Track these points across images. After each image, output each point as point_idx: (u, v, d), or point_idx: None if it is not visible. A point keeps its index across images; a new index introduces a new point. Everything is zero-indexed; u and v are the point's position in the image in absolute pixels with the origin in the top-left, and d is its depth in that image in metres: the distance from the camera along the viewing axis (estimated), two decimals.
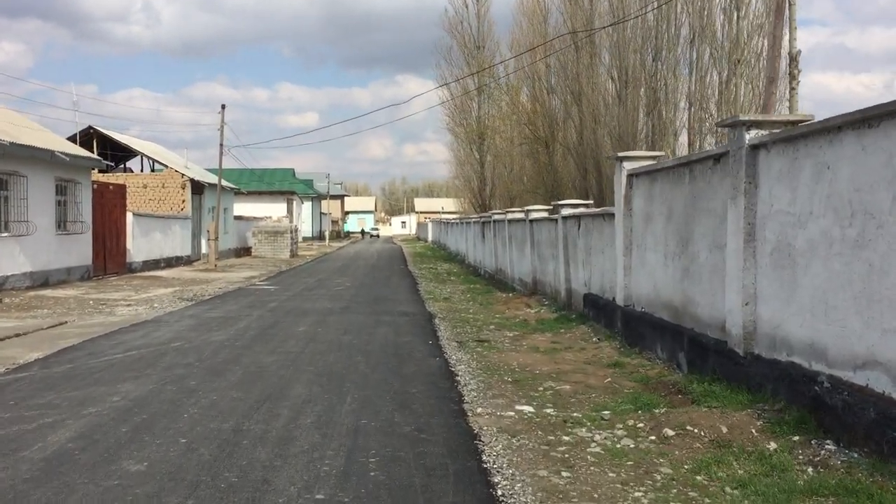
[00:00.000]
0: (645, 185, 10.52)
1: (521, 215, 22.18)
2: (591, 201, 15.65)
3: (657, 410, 6.86)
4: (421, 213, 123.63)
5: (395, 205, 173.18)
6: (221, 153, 35.14)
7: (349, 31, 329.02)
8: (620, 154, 11.18)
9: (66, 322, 14.84)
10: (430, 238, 75.84)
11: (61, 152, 22.98)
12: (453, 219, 48.66)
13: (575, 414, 7.01)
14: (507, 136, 34.37)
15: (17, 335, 12.86)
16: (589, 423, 6.62)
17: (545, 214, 18.76)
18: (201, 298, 19.55)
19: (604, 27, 20.25)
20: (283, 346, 10.64)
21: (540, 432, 6.34)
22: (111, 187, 29.00)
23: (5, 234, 20.81)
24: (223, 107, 35.51)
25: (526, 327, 13.52)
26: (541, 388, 8.15)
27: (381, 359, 9.75)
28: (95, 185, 27.11)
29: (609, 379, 8.61)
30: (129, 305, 18.18)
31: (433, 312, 15.68)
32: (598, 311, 12.67)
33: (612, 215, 12.10)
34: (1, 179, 20.75)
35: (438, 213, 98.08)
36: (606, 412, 6.98)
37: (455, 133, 42.32)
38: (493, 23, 43.11)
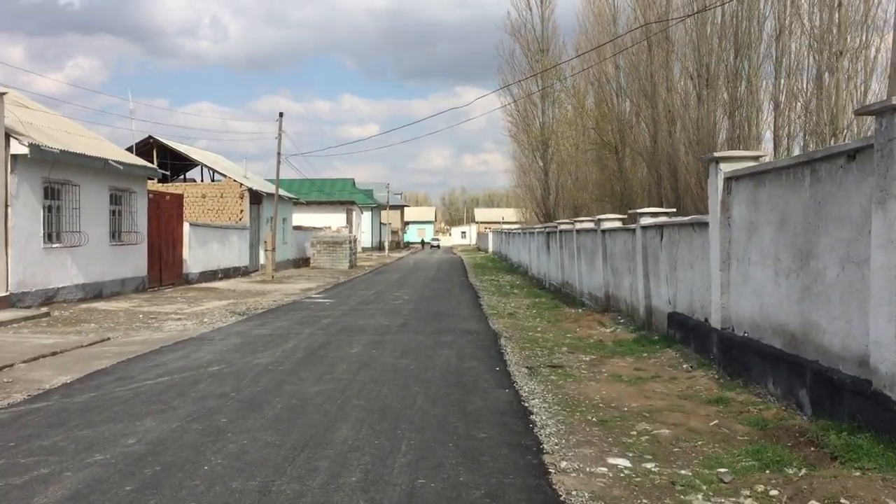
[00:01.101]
0: (747, 189, 9.04)
1: (591, 225, 20.72)
2: (674, 209, 14.13)
3: (791, 471, 5.42)
4: (481, 223, 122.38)
5: (454, 215, 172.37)
6: (279, 162, 34.51)
7: (409, 43, 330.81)
8: (717, 154, 9.71)
9: (109, 339, 14.02)
10: (490, 248, 74.52)
11: (115, 161, 22.44)
12: (515, 229, 47.24)
13: (683, 472, 5.61)
14: (572, 141, 32.87)
15: (54, 353, 12.03)
16: (705, 487, 5.22)
17: (619, 224, 17.29)
18: (253, 312, 18.65)
19: (681, 18, 18.67)
20: (331, 373, 9.45)
21: (645, 501, 4.97)
22: (168, 197, 28.52)
23: (57, 245, 20.28)
24: (281, 115, 34.95)
25: (602, 350, 12.09)
26: (634, 433, 6.75)
27: (442, 389, 8.47)
28: (151, 195, 26.62)
29: (715, 421, 7.15)
30: (178, 319, 17.36)
31: (498, 331, 14.36)
32: (687, 333, 11.17)
33: (703, 225, 10.62)
34: (53, 188, 20.23)
35: (498, 223, 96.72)
36: (724, 470, 5.57)
37: (518, 139, 40.93)
38: (558, 26, 41.72)
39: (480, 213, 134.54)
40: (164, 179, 38.50)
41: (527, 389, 8.56)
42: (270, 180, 49.17)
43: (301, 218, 58.41)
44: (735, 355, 9.08)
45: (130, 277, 24.42)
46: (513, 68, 38.11)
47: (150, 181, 33.48)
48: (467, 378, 9.25)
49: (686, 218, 11.69)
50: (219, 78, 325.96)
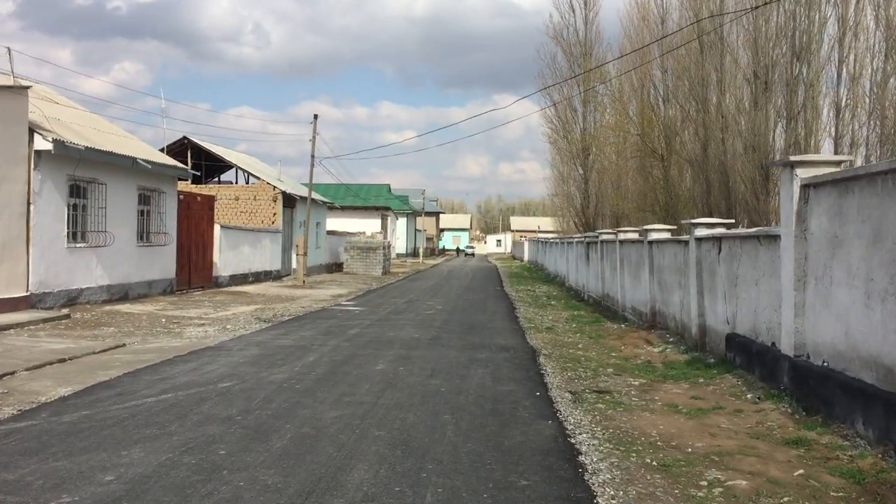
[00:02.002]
0: (830, 197, 7.90)
1: (635, 235, 19.58)
2: (731, 220, 12.95)
3: None
4: (516, 231, 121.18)
5: (490, 223, 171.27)
6: (312, 164, 33.82)
7: (447, 51, 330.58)
8: (793, 158, 8.56)
9: (124, 345, 13.26)
10: (525, 257, 73.33)
11: (143, 160, 21.82)
12: (552, 238, 46.04)
13: None
14: (614, 149, 31.64)
15: (62, 361, 11.27)
16: None
17: (668, 235, 16.14)
18: (279, 320, 17.83)
19: (737, 13, 17.44)
20: (352, 394, 8.47)
21: None
22: (198, 198, 27.91)
23: (81, 245, 19.68)
24: (315, 117, 34.28)
25: (653, 373, 10.97)
26: (704, 483, 5.67)
27: (476, 419, 7.44)
28: (181, 196, 26.03)
29: (800, 470, 6.03)
30: (201, 325, 16.60)
31: (536, 347, 13.30)
32: (749, 357, 10.01)
33: (773, 238, 9.48)
34: (78, 186, 19.65)
35: (535, 231, 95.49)
36: None
37: (557, 146, 39.74)
38: (602, 30, 40.45)
39: (516, 222, 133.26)
40: (197, 181, 38.05)
41: (572, 421, 7.50)
42: (306, 184, 48.67)
43: (335, 223, 57.86)
44: (812, 388, 7.92)
45: (158, 279, 23.79)
46: (554, 73, 37.01)
47: (181, 182, 33.07)
48: (504, 404, 8.21)
49: (751, 230, 10.53)
50: (260, 83, 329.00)
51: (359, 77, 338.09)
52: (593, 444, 6.59)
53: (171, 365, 10.44)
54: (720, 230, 12.30)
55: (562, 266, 36.17)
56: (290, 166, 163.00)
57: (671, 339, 14.00)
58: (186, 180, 35.03)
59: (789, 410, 8.03)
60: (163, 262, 24.12)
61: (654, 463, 6.14)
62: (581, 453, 6.29)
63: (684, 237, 13.73)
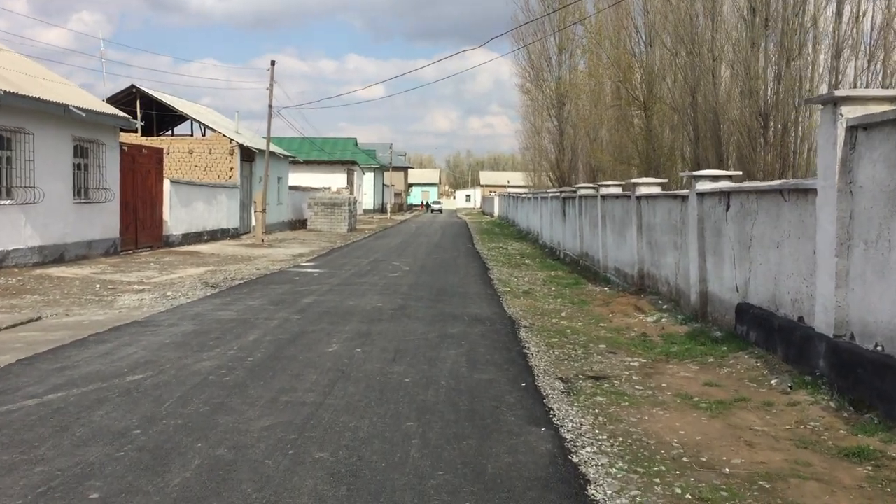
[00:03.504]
0: (888, 142, 6.30)
1: (619, 190, 18.01)
2: (739, 172, 11.37)
3: None
4: (486, 186, 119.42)
5: (459, 178, 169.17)
6: (270, 114, 31.65)
7: (418, 4, 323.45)
8: (838, 94, 6.92)
9: (39, 319, 11.44)
10: (496, 213, 71.82)
11: (77, 107, 19.64)
12: (525, 193, 44.42)
13: None
14: (592, 98, 29.84)
15: None
16: None
17: (658, 190, 14.56)
18: (229, 284, 16.06)
19: None
20: (293, 390, 6.77)
21: None
22: (144, 151, 25.70)
23: (6, 202, 17.61)
24: (273, 63, 31.95)
25: (652, 349, 9.45)
26: None
27: (449, 427, 5.78)
28: (125, 148, 23.84)
29: None
30: (138, 292, 14.80)
31: (515, 318, 11.71)
32: (768, 333, 8.50)
33: (801, 192, 7.90)
34: (0, 136, 17.52)
35: (504, 186, 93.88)
36: None
37: (531, 96, 37.80)
38: None
39: (486, 177, 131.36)
40: (149, 133, 35.67)
41: (570, 425, 5.92)
42: (272, 139, 46.16)
43: (300, 178, 55.65)
44: (862, 377, 6.41)
45: (99, 239, 21.77)
46: (528, 17, 34.88)
47: (127, 134, 30.73)
48: (484, 401, 6.57)
49: (774, 182, 8.92)
50: (223, 36, 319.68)
51: (326, 30, 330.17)
52: (602, 466, 5.01)
53: (81, 347, 8.66)
54: (726, 183, 10.72)
55: (535, 222, 34.63)
56: (254, 120, 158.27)
57: (665, 307, 12.49)
58: (134, 132, 32.80)
59: (832, 405, 6.52)
60: (104, 221, 22.08)
61: (688, 496, 4.57)
62: (589, 482, 4.70)
63: (682, 192, 12.15)
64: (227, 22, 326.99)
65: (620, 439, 5.65)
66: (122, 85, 35.32)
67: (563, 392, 7.06)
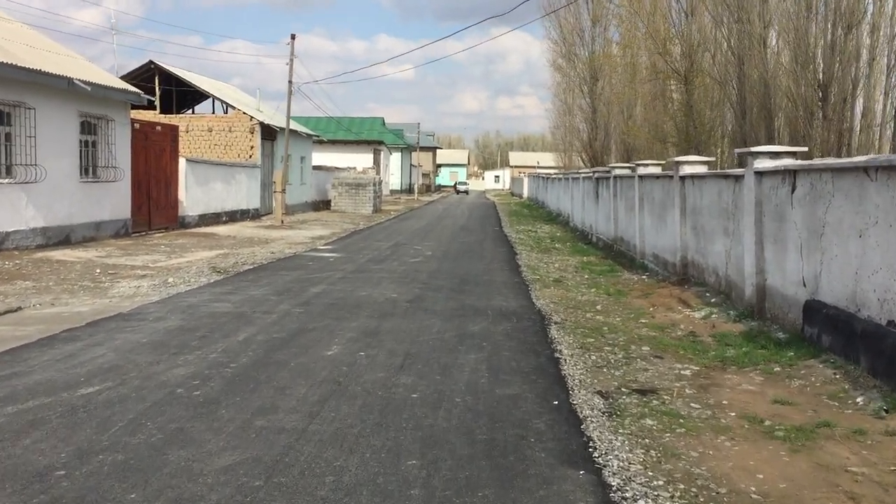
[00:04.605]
0: None
1: (658, 170, 16.58)
2: (804, 148, 9.95)
3: None
4: (515, 167, 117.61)
5: (488, 158, 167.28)
6: (290, 90, 30.46)
7: None
8: None
9: (19, 309, 10.42)
10: (525, 194, 70.25)
11: (82, 80, 18.58)
12: (554, 174, 42.90)
13: None
14: (627, 72, 28.21)
15: None
16: None
17: (705, 169, 13.15)
18: (237, 270, 14.99)
19: None
20: (273, 410, 5.51)
21: None
22: (158, 128, 24.66)
23: (5, 180, 16.65)
24: (293, 37, 30.74)
25: (704, 353, 8.12)
26: None
27: (461, 467, 4.46)
28: (137, 125, 22.82)
29: None
30: (140, 277, 13.78)
31: (545, 311, 10.43)
32: (848, 339, 7.13)
33: (892, 169, 6.50)
34: None
35: (534, 167, 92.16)
36: None
37: (562, 71, 36.21)
38: None
39: (515, 157, 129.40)
40: (168, 111, 34.71)
41: (615, 464, 4.65)
42: (295, 118, 45.04)
43: (326, 158, 54.50)
44: None
45: (108, 220, 20.80)
46: None
47: (146, 112, 29.85)
48: (507, 429, 5.30)
49: (860, 158, 7.49)
50: (254, 17, 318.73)
51: (356, 9, 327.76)
52: None
53: (45, 347, 7.54)
54: (790, 161, 9.31)
55: (565, 204, 33.19)
56: (281, 101, 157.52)
57: (713, 300, 11.11)
58: (152, 109, 31.87)
59: None
60: (114, 201, 21.10)
61: None
62: None
63: (735, 171, 10.74)
64: (258, 2, 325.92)
65: (682, 487, 4.37)
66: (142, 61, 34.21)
67: (603, 413, 5.79)
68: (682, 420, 5.74)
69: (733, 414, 5.97)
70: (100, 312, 9.82)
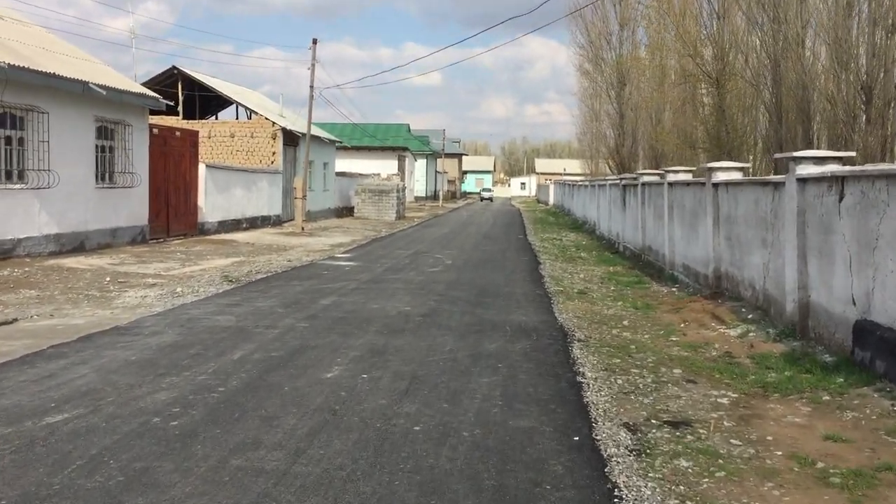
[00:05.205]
0: None
1: (689, 176, 15.81)
2: (852, 153, 9.18)
3: None
4: (541, 174, 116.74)
5: (514, 165, 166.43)
6: (312, 95, 30.05)
7: None
8: None
9: (15, 321, 9.93)
10: (551, 201, 69.42)
11: (98, 84, 18.23)
12: (580, 181, 42.10)
13: None
14: (655, 76, 27.39)
15: None
16: None
17: (740, 175, 12.38)
18: (249, 279, 14.49)
19: None
20: (255, 445, 4.78)
21: None
22: (178, 133, 24.32)
23: (17, 186, 16.31)
24: (314, 41, 30.33)
25: (743, 378, 7.38)
26: None
27: None
28: (155, 131, 22.48)
29: None
30: (149, 286, 13.34)
31: (568, 328, 9.74)
32: None
33: None
34: (13, 116, 16.19)
35: (560, 174, 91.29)
36: None
37: (589, 76, 35.43)
38: None
39: (541, 164, 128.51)
40: (191, 117, 34.45)
41: None
42: (319, 124, 44.63)
43: (349, 164, 54.13)
44: None
45: (124, 227, 20.44)
46: None
47: (168, 117, 29.62)
48: (519, 472, 4.60)
49: None
50: (283, 25, 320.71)
51: (383, 18, 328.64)
52: None
53: (25, 365, 7.00)
54: (836, 167, 8.55)
55: (591, 212, 32.40)
56: (306, 108, 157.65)
57: (750, 316, 10.34)
58: (175, 115, 31.63)
59: None
60: (131, 207, 20.74)
61: None
62: None
63: (775, 178, 9.98)
64: (287, 11, 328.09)
65: None
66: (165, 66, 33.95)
67: (631, 451, 5.10)
68: (721, 461, 5.03)
69: (780, 453, 5.25)
70: (96, 325, 9.30)
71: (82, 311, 10.72)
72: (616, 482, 4.51)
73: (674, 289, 14.11)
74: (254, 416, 5.49)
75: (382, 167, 59.40)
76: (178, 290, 12.94)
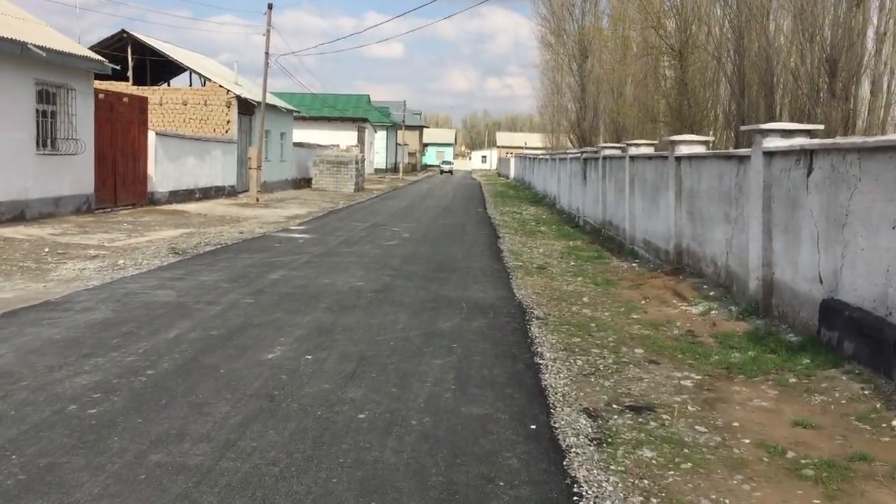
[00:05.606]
0: None
1: (651, 150, 15.52)
2: (821, 126, 8.92)
3: None
4: (503, 147, 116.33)
5: (476, 138, 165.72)
6: (267, 62, 29.12)
7: None
8: None
9: None
10: (511, 175, 69.12)
11: (36, 45, 17.26)
12: (541, 154, 41.76)
13: None
14: (618, 49, 27.04)
15: None
16: None
17: (703, 149, 12.10)
18: (197, 251, 13.88)
19: None
20: (180, 437, 4.32)
21: None
22: (125, 99, 23.34)
23: None
24: (270, 6, 29.31)
25: (706, 358, 7.10)
26: None
27: None
28: (101, 96, 21.50)
29: None
30: (90, 258, 12.69)
31: (526, 305, 9.38)
32: (876, 346, 6.13)
33: None
34: None
35: (521, 147, 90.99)
36: None
37: (551, 48, 34.95)
38: None
39: (502, 138, 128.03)
40: (142, 83, 33.22)
41: None
42: (277, 93, 43.51)
43: (309, 135, 53.12)
44: None
45: (68, 195, 19.56)
46: None
47: (119, 82, 28.57)
48: (471, 467, 4.21)
49: (890, 137, 6.44)
50: None
51: None
52: None
53: None
54: (804, 139, 8.26)
55: (552, 185, 32.12)
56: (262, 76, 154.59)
57: (712, 293, 10.09)
58: (125, 80, 30.49)
59: None
60: (75, 175, 19.85)
61: None
62: None
63: (740, 151, 9.69)
64: None
65: None
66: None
67: (591, 440, 4.75)
68: (686, 450, 4.71)
69: (748, 441, 4.95)
70: (26, 300, 8.69)
71: (13, 283, 10.08)
72: (575, 476, 4.15)
73: (634, 264, 13.86)
74: (182, 403, 5.01)
75: (342, 138, 58.43)
76: (121, 262, 12.31)
